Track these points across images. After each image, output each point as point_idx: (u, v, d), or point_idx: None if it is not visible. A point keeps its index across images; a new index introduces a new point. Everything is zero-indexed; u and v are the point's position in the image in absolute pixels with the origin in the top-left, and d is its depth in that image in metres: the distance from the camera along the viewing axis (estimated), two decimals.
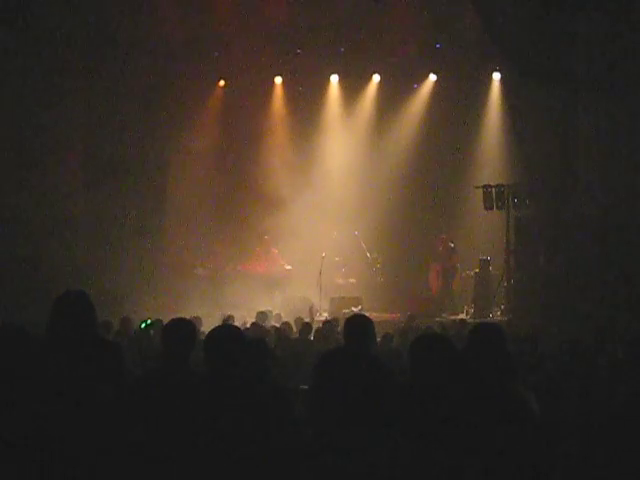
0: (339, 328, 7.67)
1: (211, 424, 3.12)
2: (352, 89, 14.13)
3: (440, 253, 12.92)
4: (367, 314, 11.21)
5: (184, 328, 3.66)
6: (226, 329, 3.55)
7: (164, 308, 11.02)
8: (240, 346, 3.31)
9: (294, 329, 8.59)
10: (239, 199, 13.84)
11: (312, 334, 7.86)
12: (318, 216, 13.61)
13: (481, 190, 12.23)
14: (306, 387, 4.12)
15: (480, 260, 12.49)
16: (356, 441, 3.24)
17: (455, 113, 13.26)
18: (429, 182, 13.72)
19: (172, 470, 3.08)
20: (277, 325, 8.90)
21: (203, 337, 3.61)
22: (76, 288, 3.57)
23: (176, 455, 3.08)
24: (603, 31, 11.10)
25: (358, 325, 4.11)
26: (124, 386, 3.37)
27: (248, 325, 8.48)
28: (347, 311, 11.37)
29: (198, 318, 8.24)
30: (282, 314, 10.66)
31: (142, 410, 3.24)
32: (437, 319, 11.30)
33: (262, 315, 9.48)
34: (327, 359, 3.44)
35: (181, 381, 3.39)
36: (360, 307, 12.25)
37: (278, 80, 14.22)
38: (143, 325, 8.16)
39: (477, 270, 12.49)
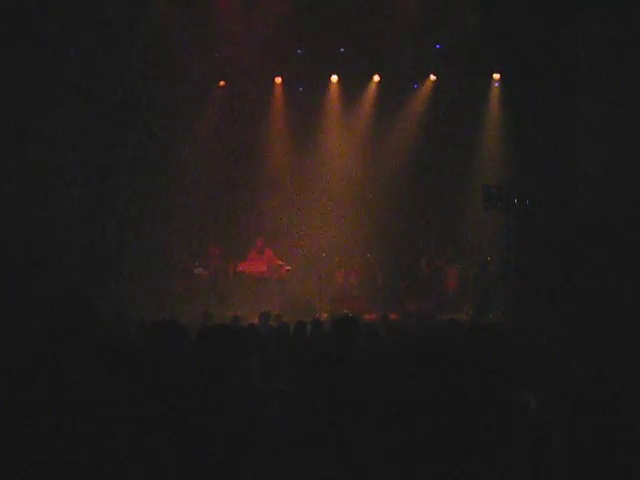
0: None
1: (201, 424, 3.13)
2: (352, 89, 14.13)
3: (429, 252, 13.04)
4: (367, 314, 11.30)
5: (170, 330, 3.68)
6: (212, 328, 3.56)
7: (164, 309, 11.04)
8: (229, 344, 3.32)
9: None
10: (238, 199, 13.85)
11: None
12: (318, 216, 13.63)
13: (481, 190, 12.23)
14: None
15: (480, 260, 12.49)
16: (345, 441, 3.25)
17: (455, 113, 13.25)
18: (429, 182, 13.73)
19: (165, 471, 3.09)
20: (274, 325, 8.91)
21: None
22: (74, 289, 3.58)
23: (170, 456, 3.09)
24: (604, 31, 11.09)
25: (344, 327, 4.16)
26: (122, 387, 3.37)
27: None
28: (347, 311, 11.39)
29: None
30: (282, 314, 10.67)
31: (141, 410, 3.25)
32: (435, 319, 11.31)
33: (265, 315, 9.51)
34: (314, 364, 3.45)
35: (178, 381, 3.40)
36: (359, 307, 12.26)
37: (278, 80, 14.22)
38: None
39: (477, 270, 12.49)
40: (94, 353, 3.33)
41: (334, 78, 14.20)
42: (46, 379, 3.12)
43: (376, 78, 14.10)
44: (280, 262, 13.22)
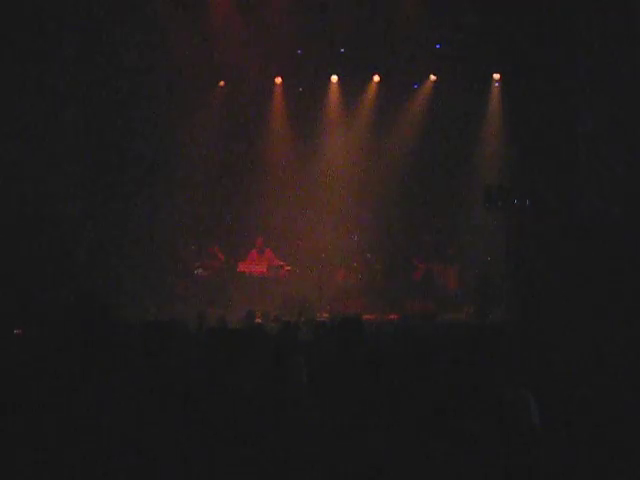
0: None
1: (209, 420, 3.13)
2: (352, 89, 14.12)
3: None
4: (367, 315, 11.30)
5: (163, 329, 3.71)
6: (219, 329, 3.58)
7: (164, 309, 11.05)
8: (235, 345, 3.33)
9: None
10: (238, 200, 13.85)
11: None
12: (318, 216, 13.64)
13: (481, 190, 12.20)
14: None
15: (480, 260, 12.49)
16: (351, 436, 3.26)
17: (455, 113, 13.24)
18: (429, 182, 13.72)
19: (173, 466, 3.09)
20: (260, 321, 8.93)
21: None
22: (91, 292, 3.60)
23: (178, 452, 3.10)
24: (603, 31, 11.09)
25: (350, 327, 4.17)
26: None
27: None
28: (346, 311, 11.38)
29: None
30: (282, 314, 10.69)
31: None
32: (435, 320, 11.31)
33: (250, 313, 9.50)
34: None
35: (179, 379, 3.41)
36: (359, 308, 12.26)
37: (278, 80, 14.21)
38: None
39: (477, 270, 12.48)
40: (109, 352, 3.34)
41: (334, 78, 14.18)
42: (61, 378, 3.14)
43: (376, 78, 14.08)
44: (280, 262, 13.23)
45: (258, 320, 9.46)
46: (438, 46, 13.19)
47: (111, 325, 3.40)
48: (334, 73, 14.09)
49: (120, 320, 6.14)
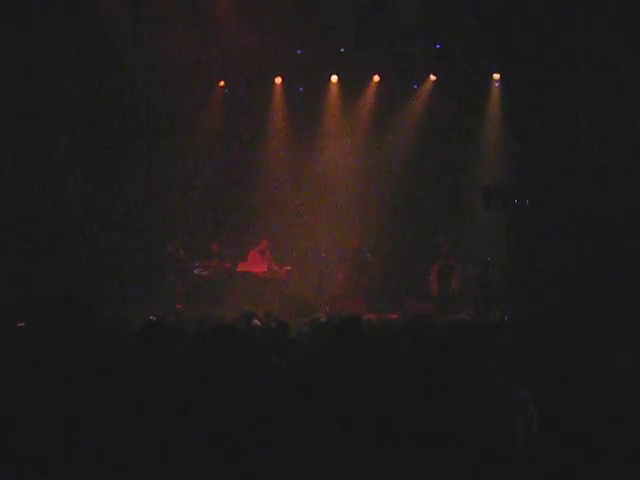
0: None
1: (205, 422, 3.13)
2: (352, 89, 14.12)
3: (441, 254, 12.95)
4: (367, 315, 11.29)
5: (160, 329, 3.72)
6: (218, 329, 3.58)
7: (164, 309, 11.03)
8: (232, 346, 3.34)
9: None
10: (239, 199, 13.85)
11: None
12: (318, 216, 13.63)
13: (481, 190, 12.20)
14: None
15: (480, 260, 12.47)
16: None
17: (455, 113, 13.23)
18: (429, 182, 13.71)
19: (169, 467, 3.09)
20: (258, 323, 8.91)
21: None
22: (72, 292, 3.57)
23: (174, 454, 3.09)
24: (603, 31, 11.09)
25: (349, 326, 4.17)
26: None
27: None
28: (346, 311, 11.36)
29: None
30: (282, 314, 10.68)
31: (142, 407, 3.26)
32: (435, 320, 11.29)
33: (247, 314, 9.49)
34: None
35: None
36: (359, 307, 12.25)
37: (278, 80, 14.21)
38: None
39: (477, 270, 12.47)
40: (92, 355, 3.33)
41: (334, 78, 14.19)
42: (45, 380, 3.12)
43: (376, 78, 14.08)
44: (276, 267, 13.21)
45: (256, 322, 9.44)
46: (438, 46, 13.18)
47: (93, 327, 3.38)
48: (334, 73, 14.09)
49: (105, 322, 6.16)
